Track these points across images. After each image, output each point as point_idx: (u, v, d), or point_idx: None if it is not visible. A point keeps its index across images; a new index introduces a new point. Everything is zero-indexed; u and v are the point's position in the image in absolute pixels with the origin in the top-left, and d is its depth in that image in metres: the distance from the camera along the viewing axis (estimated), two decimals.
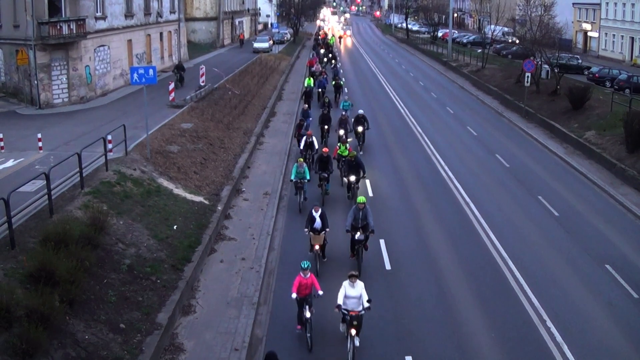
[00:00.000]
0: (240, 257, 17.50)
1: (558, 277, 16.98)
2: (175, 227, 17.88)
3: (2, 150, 23.22)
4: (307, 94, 38.17)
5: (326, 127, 29.83)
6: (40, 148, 22.92)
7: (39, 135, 23.19)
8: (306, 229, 17.02)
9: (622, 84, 41.87)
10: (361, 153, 27.31)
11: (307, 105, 34.50)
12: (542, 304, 15.39)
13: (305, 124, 28.65)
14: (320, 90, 41.59)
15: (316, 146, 25.29)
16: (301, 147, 25.72)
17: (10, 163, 21.59)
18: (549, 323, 14.54)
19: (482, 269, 17.42)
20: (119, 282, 13.97)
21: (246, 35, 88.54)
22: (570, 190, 24.46)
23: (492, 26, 60.16)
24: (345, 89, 45.63)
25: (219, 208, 20.30)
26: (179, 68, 41.07)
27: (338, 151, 24.64)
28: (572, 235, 19.94)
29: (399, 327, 14.33)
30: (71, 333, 11.61)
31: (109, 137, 20.88)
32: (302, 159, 22.18)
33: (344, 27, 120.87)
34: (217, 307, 14.73)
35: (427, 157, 29.08)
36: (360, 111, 29.66)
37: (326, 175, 22.37)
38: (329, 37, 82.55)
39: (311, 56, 63.17)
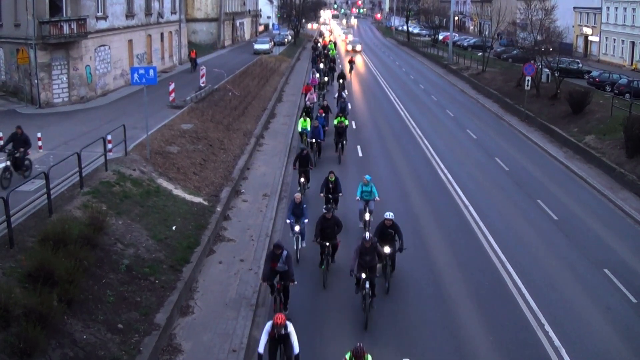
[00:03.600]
0: (238, 259, 17.49)
1: (557, 281, 16.97)
2: (174, 227, 17.87)
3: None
4: (302, 160, 22.37)
5: (327, 244, 16.41)
6: (40, 147, 22.89)
7: (39, 135, 23.15)
8: None
9: (622, 88, 41.94)
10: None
11: (303, 180, 22.08)
12: (540, 308, 15.38)
13: (283, 252, 13.99)
14: (313, 142, 26.99)
15: (294, 345, 11.30)
16: (262, 347, 11.31)
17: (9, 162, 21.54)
18: (547, 327, 14.53)
19: (480, 272, 17.41)
20: (118, 282, 13.96)
21: (247, 37, 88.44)
22: (569, 195, 24.46)
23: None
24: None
25: (218, 209, 20.30)
26: (15, 140, 19.27)
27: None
28: (571, 239, 19.94)
29: (396, 330, 14.31)
30: (69, 333, 11.59)
31: (109, 137, 20.87)
32: None
33: (349, 37, 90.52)
34: (215, 308, 14.72)
35: (427, 159, 29.07)
36: (389, 215, 16.19)
37: None
38: (330, 45, 67.53)
39: (310, 76, 44.94)
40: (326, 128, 29.51)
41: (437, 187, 25.05)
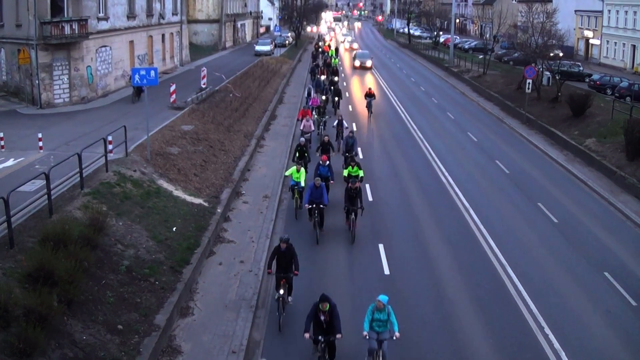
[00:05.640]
0: (239, 260, 17.49)
1: (557, 284, 16.97)
2: (174, 229, 17.87)
3: (3, 150, 23.22)
4: (282, 258, 14.52)
5: None
6: (41, 148, 22.92)
7: (40, 135, 23.19)
8: None
9: (623, 91, 41.95)
10: None
11: (283, 293, 14.21)
12: (540, 310, 15.38)
13: None
14: (313, 207, 18.52)
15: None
16: None
17: (10, 162, 21.58)
18: (547, 330, 14.53)
19: (480, 275, 17.40)
20: (118, 283, 13.97)
21: (248, 38, 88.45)
22: (569, 198, 24.46)
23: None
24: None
25: (219, 210, 20.29)
26: None
27: None
28: (571, 242, 19.93)
29: None
30: (69, 333, 11.59)
31: (110, 138, 20.88)
32: None
33: (354, 46, 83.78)
34: (215, 310, 14.71)
35: (427, 162, 29.07)
36: None
37: None
38: (331, 52, 61.22)
39: (306, 96, 36.23)
40: (331, 182, 20.83)
41: (438, 189, 25.04)
